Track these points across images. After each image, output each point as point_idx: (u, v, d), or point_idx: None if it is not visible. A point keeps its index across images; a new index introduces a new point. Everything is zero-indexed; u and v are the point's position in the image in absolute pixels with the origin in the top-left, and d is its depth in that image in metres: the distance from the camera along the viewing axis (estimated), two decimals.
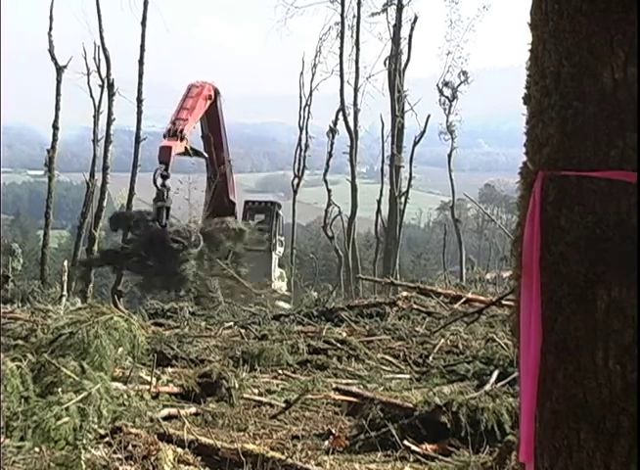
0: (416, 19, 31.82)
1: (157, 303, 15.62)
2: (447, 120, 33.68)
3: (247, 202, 28.02)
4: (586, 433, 1.50)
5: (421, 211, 72.88)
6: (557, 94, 1.54)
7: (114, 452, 4.14)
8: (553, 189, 1.55)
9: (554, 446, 1.55)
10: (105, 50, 28.96)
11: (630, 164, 1.45)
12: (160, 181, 20.10)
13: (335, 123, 33.04)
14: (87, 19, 29.63)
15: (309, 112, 35.12)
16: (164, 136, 20.88)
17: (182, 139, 20.81)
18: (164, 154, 20.25)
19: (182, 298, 18.03)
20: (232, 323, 11.36)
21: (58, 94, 28.51)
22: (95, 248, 27.73)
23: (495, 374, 6.27)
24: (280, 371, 7.60)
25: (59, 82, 28.31)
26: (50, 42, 28.34)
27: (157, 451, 4.12)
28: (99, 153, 29.04)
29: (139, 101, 28.99)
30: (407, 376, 7.45)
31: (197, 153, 22.88)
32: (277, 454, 4.36)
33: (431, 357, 8.13)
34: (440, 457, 4.57)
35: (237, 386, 6.18)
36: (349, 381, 7.09)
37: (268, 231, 26.58)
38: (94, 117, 29.40)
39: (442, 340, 8.73)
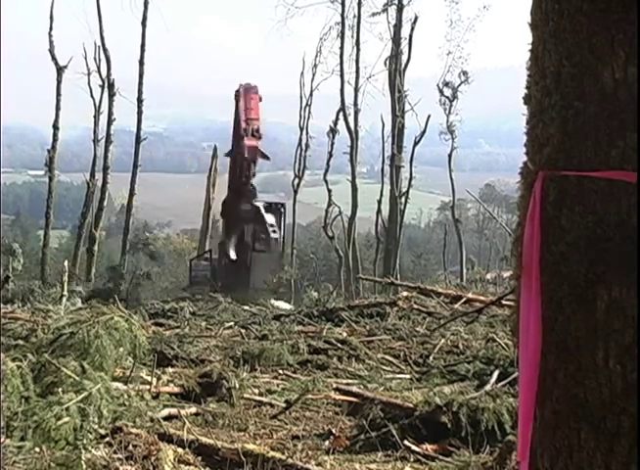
0: (416, 19, 31.82)
1: (157, 303, 15.63)
2: (448, 120, 33.68)
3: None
4: (587, 433, 1.50)
5: (421, 211, 72.85)
6: (557, 94, 1.54)
7: (115, 452, 4.13)
8: (553, 189, 1.55)
9: (554, 445, 1.55)
10: (105, 50, 29.00)
11: (631, 163, 1.45)
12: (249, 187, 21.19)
13: (335, 123, 33.03)
14: (87, 19, 29.73)
15: (310, 112, 35.17)
16: (243, 136, 21.64)
17: (260, 138, 22.11)
18: (252, 152, 21.50)
19: None
20: (232, 323, 11.36)
21: (58, 94, 28.53)
22: (95, 248, 27.75)
23: (496, 374, 6.26)
24: (280, 371, 7.59)
25: (59, 82, 28.33)
26: (50, 42, 28.37)
27: (157, 451, 4.12)
28: (99, 153, 29.08)
29: (139, 101, 29.02)
30: (407, 376, 7.44)
31: (263, 155, 23.81)
32: (277, 454, 4.35)
33: (431, 357, 8.12)
34: (441, 457, 4.56)
35: (237, 386, 6.18)
36: (350, 381, 7.08)
37: (276, 232, 26.62)
38: (94, 117, 29.44)
39: (443, 340, 8.72)
